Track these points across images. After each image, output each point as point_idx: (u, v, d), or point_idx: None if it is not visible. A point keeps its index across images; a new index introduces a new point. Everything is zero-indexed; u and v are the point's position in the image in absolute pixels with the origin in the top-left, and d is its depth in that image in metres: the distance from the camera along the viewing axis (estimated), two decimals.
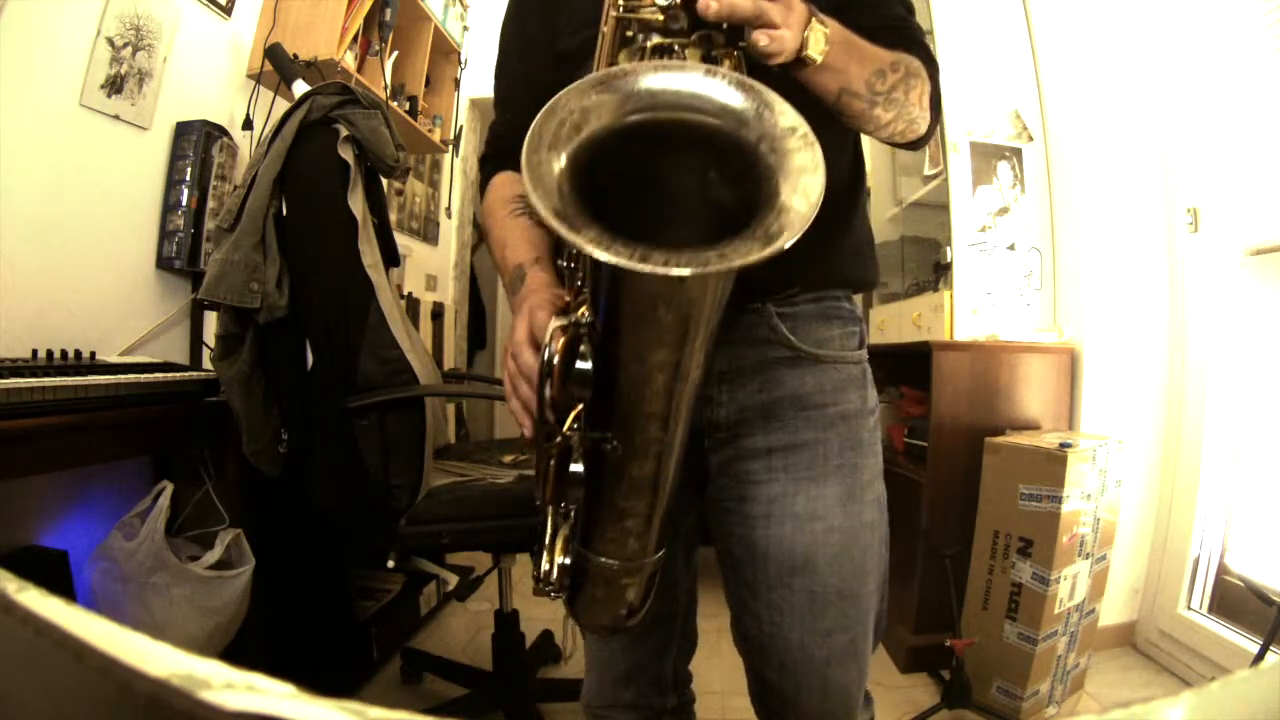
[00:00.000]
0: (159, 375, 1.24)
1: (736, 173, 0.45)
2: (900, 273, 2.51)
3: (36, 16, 1.29)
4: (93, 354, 1.27)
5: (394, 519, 1.20)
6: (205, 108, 1.69)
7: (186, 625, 1.23)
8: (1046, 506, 1.52)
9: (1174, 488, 1.88)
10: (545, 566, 0.58)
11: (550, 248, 0.66)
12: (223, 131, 1.68)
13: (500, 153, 0.79)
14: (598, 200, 0.42)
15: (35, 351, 1.18)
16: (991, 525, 1.66)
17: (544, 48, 0.74)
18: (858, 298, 0.79)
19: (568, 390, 0.49)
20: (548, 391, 0.49)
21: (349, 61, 1.97)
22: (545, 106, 0.43)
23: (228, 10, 1.79)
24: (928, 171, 2.31)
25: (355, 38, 2.02)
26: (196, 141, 1.60)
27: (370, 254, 1.24)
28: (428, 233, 2.95)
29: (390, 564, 1.31)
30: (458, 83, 2.86)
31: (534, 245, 0.67)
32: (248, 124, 1.80)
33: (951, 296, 1.99)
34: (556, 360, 0.48)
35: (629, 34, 0.54)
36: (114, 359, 1.33)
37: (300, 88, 1.45)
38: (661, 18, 0.52)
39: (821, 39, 0.54)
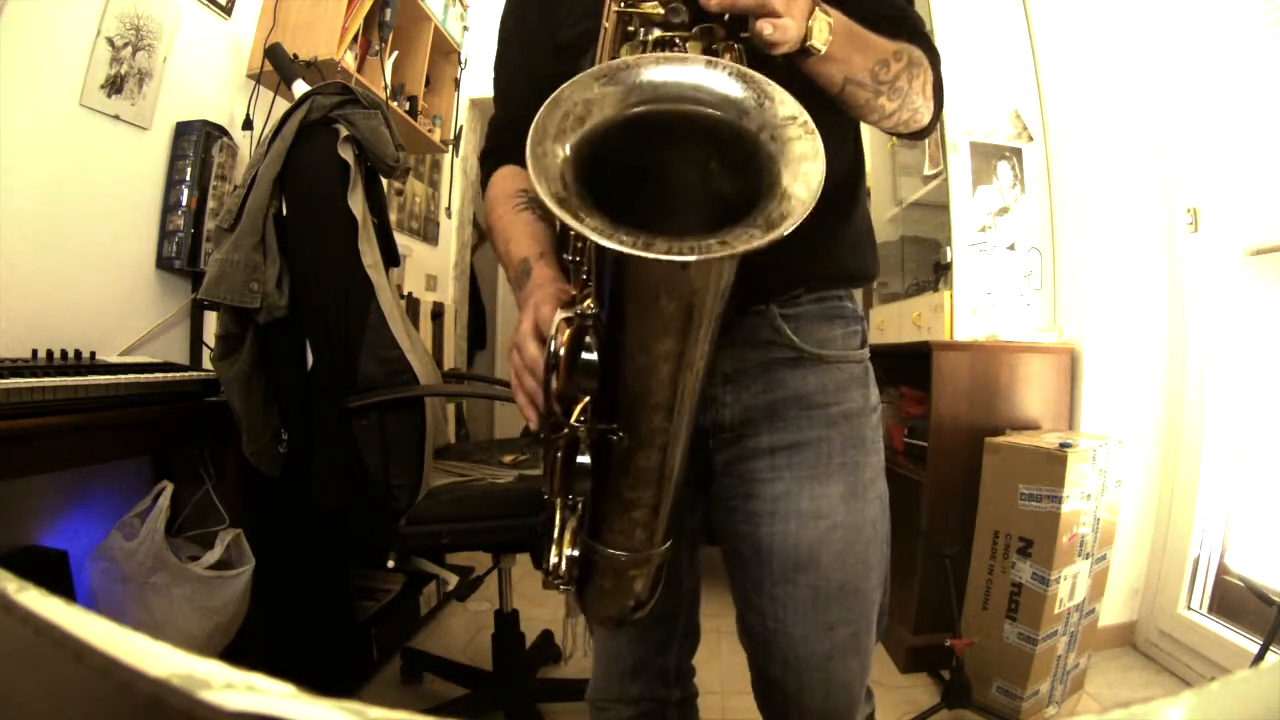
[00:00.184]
0: (159, 375, 1.24)
1: (738, 162, 0.45)
2: (900, 273, 2.51)
3: (36, 16, 1.29)
4: (93, 354, 1.27)
5: (394, 519, 1.20)
6: (205, 108, 1.69)
7: (186, 625, 1.23)
8: (1046, 506, 1.52)
9: (1174, 488, 1.88)
10: (554, 559, 0.59)
11: (555, 242, 0.67)
12: (223, 131, 1.68)
13: (501, 148, 0.79)
14: (601, 190, 0.42)
15: (35, 351, 1.18)
16: (991, 525, 1.66)
17: (544, 40, 0.74)
18: (858, 296, 0.79)
19: (574, 382, 0.50)
20: (554, 384, 0.49)
21: (349, 61, 1.97)
22: (549, 99, 0.43)
23: (228, 10, 1.79)
24: (928, 171, 2.31)
25: (355, 38, 2.02)
26: (196, 141, 1.60)
27: (370, 254, 1.24)
28: (428, 233, 2.95)
29: (390, 564, 1.31)
30: (458, 83, 2.86)
31: (538, 240, 0.67)
32: (248, 124, 1.80)
33: (951, 296, 1.99)
34: (562, 353, 0.48)
35: (630, 28, 0.54)
36: (114, 359, 1.33)
37: (300, 88, 1.45)
38: (662, 11, 0.52)
39: (825, 28, 0.55)
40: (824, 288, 0.73)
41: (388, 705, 0.13)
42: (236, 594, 1.27)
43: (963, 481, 1.76)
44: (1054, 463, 1.51)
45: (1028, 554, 1.55)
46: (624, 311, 0.47)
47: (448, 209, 3.14)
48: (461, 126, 3.08)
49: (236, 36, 1.83)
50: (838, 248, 0.73)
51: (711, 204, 0.49)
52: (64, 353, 1.20)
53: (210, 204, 1.60)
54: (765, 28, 0.50)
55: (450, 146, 2.93)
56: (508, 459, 1.54)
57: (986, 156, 2.04)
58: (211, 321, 1.46)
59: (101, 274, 1.45)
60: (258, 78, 1.83)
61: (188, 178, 1.59)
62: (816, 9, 0.54)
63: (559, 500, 0.59)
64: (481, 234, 3.54)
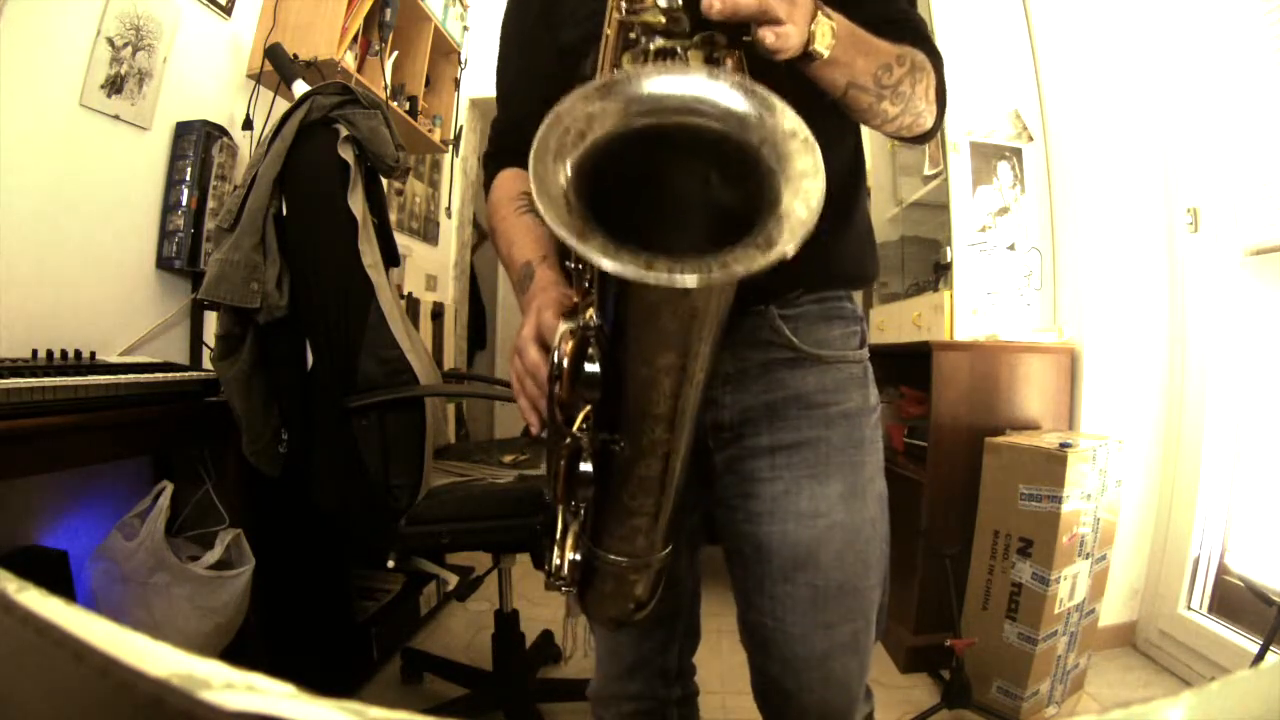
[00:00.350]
0: (159, 375, 1.24)
1: (739, 176, 0.45)
2: (900, 273, 2.51)
3: (36, 16, 1.29)
4: (93, 354, 1.27)
5: (394, 519, 1.20)
6: (205, 108, 1.69)
7: (186, 625, 1.23)
8: (1046, 506, 1.52)
9: (1174, 488, 1.88)
10: (556, 562, 0.60)
11: (557, 246, 0.67)
12: (223, 131, 1.68)
13: (503, 150, 0.79)
14: (603, 205, 0.42)
15: (35, 351, 1.18)
16: (991, 525, 1.66)
17: (545, 42, 0.74)
18: (858, 297, 0.79)
19: (576, 392, 0.50)
20: (557, 393, 0.50)
21: (349, 61, 1.97)
22: (550, 115, 0.43)
23: (228, 10, 1.79)
24: (928, 171, 2.31)
25: (355, 38, 2.03)
26: (196, 141, 1.60)
27: (370, 254, 1.24)
28: (428, 233, 2.95)
29: (390, 564, 1.31)
30: (458, 83, 2.86)
31: (541, 243, 0.68)
32: (248, 124, 1.80)
33: (951, 296, 1.99)
34: (566, 363, 0.49)
35: (632, 36, 0.54)
36: (114, 359, 1.33)
37: (300, 88, 1.45)
38: (664, 20, 0.52)
39: (828, 33, 0.54)
40: (823, 288, 0.73)
41: (388, 705, 0.13)
42: (236, 594, 1.27)
43: (963, 481, 1.76)
44: (1054, 463, 1.51)
45: (1028, 554, 1.55)
46: (626, 326, 0.47)
47: (448, 209, 3.14)
48: (461, 126, 3.08)
49: (236, 36, 1.83)
50: (838, 248, 0.73)
51: (712, 215, 0.49)
52: (64, 353, 1.20)
53: (210, 204, 1.60)
54: (767, 35, 0.50)
55: (450, 146, 2.93)
56: (508, 459, 1.54)
57: (986, 156, 2.04)
58: (211, 321, 1.46)
59: (101, 274, 1.45)
60: (258, 78, 1.83)
61: (188, 178, 1.59)
62: (819, 13, 0.54)
63: (562, 506, 0.59)
64: (482, 234, 3.55)
